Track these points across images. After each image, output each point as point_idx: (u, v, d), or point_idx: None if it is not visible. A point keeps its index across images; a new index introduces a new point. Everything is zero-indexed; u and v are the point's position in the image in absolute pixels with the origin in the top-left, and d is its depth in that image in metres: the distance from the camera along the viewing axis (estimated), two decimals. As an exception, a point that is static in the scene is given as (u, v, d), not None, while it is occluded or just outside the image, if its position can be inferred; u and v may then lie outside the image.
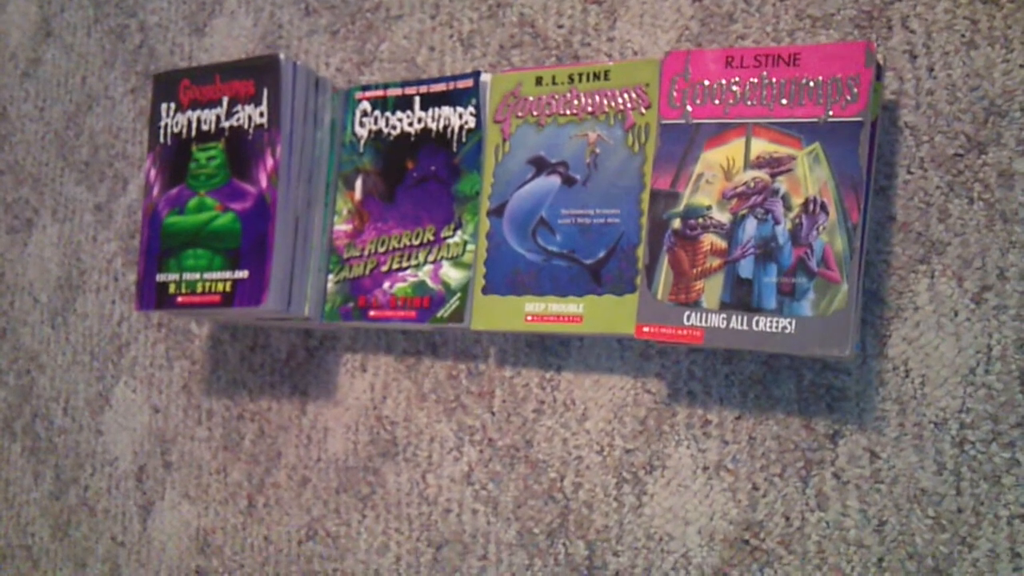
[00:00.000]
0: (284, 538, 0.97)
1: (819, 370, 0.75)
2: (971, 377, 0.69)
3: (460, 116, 0.89)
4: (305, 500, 0.96)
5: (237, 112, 0.92)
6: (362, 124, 0.94)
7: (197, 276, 0.93)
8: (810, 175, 0.71)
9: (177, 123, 0.96)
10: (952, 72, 0.72)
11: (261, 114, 0.91)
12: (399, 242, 0.90)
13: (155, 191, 0.97)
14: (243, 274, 0.90)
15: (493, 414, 0.87)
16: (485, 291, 0.85)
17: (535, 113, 0.85)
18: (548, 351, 0.86)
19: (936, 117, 0.73)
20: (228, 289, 0.90)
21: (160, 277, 0.95)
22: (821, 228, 0.70)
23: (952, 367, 0.70)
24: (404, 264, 0.89)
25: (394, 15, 0.99)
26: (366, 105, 0.94)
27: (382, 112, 0.93)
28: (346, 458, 0.94)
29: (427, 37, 0.97)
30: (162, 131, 0.97)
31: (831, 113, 0.71)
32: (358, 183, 0.93)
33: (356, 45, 1.01)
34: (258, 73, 0.92)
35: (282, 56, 0.91)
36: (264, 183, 0.90)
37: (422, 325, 0.87)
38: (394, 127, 0.92)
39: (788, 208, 0.72)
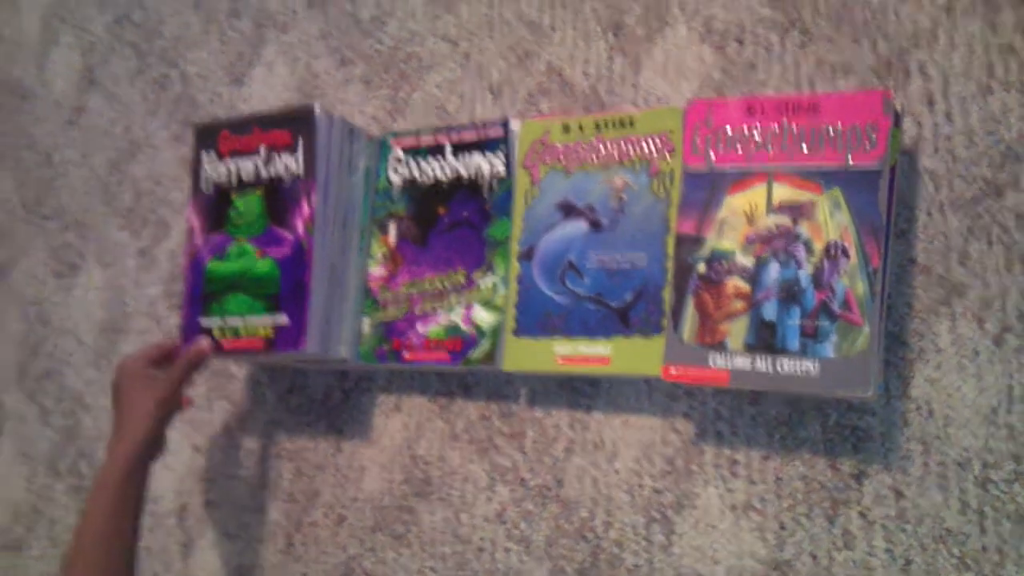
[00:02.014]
0: None
1: (844, 411, 0.76)
2: (993, 417, 0.70)
3: (490, 163, 0.91)
4: (342, 538, 0.99)
5: (274, 161, 0.96)
6: (396, 171, 0.97)
7: (240, 321, 0.95)
8: (831, 220, 0.73)
9: (218, 172, 1.00)
10: (969, 118, 0.74)
11: (297, 163, 0.94)
12: (432, 285, 0.93)
13: (197, 237, 1.00)
14: (283, 319, 0.93)
15: (524, 454, 0.89)
16: (516, 333, 0.87)
17: (563, 160, 0.88)
18: (578, 392, 0.88)
19: (954, 162, 0.74)
20: (270, 334, 0.93)
21: (204, 322, 0.98)
22: (842, 272, 0.72)
23: (974, 407, 0.71)
24: (436, 306, 0.92)
25: (426, 65, 1.02)
26: (400, 152, 0.97)
27: (415, 159, 0.96)
28: (381, 497, 0.97)
29: (458, 86, 1.00)
30: (203, 179, 1.01)
31: (851, 160, 0.73)
32: (392, 228, 0.96)
33: (389, 94, 1.04)
34: (294, 123, 0.95)
35: (317, 107, 0.94)
36: (301, 230, 0.93)
37: (455, 367, 0.90)
38: (427, 174, 0.95)
39: (810, 252, 0.74)
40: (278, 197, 0.96)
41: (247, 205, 0.97)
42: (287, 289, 0.93)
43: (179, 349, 0.97)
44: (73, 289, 1.28)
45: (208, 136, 1.02)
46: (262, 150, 0.97)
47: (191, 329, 0.99)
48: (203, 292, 0.99)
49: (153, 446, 0.93)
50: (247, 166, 0.98)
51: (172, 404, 0.94)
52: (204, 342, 0.96)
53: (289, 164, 0.95)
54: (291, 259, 0.94)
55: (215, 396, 1.11)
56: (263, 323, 0.94)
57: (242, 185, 0.98)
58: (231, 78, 1.18)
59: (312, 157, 0.94)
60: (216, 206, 1.00)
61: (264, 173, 0.97)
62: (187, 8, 1.24)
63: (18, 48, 1.44)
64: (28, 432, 1.28)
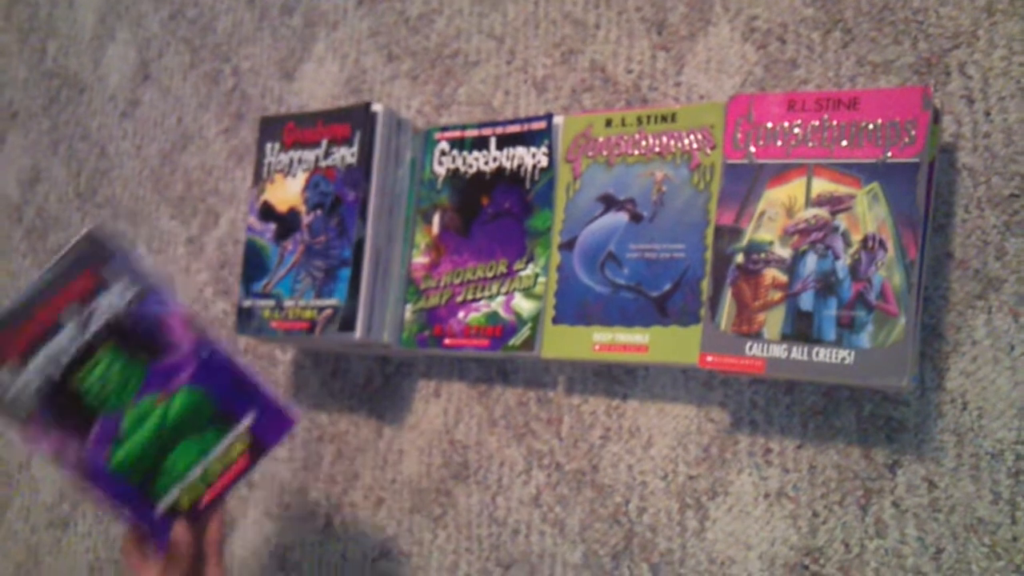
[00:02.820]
0: (359, 556, 1.02)
1: (879, 402, 0.77)
2: (1027, 410, 0.72)
3: (533, 156, 0.94)
4: (380, 519, 1.01)
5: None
6: (440, 163, 1.00)
7: (202, 465, 0.83)
8: (869, 213, 0.75)
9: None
10: (1008, 116, 0.75)
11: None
12: (473, 274, 0.95)
13: (70, 454, 0.82)
14: (252, 416, 0.84)
15: (561, 440, 0.91)
16: (555, 321, 0.89)
17: (605, 153, 0.90)
18: (614, 380, 0.90)
19: (993, 159, 0.76)
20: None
21: (163, 506, 0.83)
22: (880, 264, 0.74)
23: (1008, 400, 0.72)
24: (478, 295, 0.94)
25: (472, 61, 1.05)
26: (444, 145, 1.00)
27: (459, 151, 0.98)
28: (419, 480, 0.99)
29: (503, 81, 1.02)
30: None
31: (890, 155, 0.74)
32: (435, 218, 0.99)
33: (435, 89, 1.07)
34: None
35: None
36: (182, 333, 0.83)
37: (494, 353, 0.92)
38: (470, 165, 0.98)
39: (848, 244, 0.75)
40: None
41: (104, 370, 0.81)
42: (225, 391, 0.82)
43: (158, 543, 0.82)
44: (124, 275, 1.32)
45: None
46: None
47: (157, 528, 0.83)
48: (133, 486, 0.82)
49: None
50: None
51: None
52: (179, 532, 0.81)
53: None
54: (202, 367, 0.82)
55: (259, 380, 1.14)
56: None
57: (81, 358, 0.81)
58: (282, 73, 1.21)
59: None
60: (60, 403, 0.81)
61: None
62: (240, 5, 1.28)
63: (75, 43, 1.49)
64: (77, 413, 1.32)
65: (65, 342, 0.80)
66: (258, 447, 0.83)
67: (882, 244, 0.74)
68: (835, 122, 0.77)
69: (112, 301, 0.80)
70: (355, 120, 0.98)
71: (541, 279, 0.91)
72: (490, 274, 0.94)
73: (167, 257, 1.27)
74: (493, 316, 0.93)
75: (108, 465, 0.81)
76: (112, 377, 0.81)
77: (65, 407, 0.81)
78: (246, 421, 0.82)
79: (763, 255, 0.78)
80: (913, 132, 0.74)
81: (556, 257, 0.90)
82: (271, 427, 0.83)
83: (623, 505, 0.87)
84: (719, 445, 0.83)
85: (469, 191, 0.97)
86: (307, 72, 1.19)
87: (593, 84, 0.96)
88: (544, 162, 0.93)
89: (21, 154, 1.52)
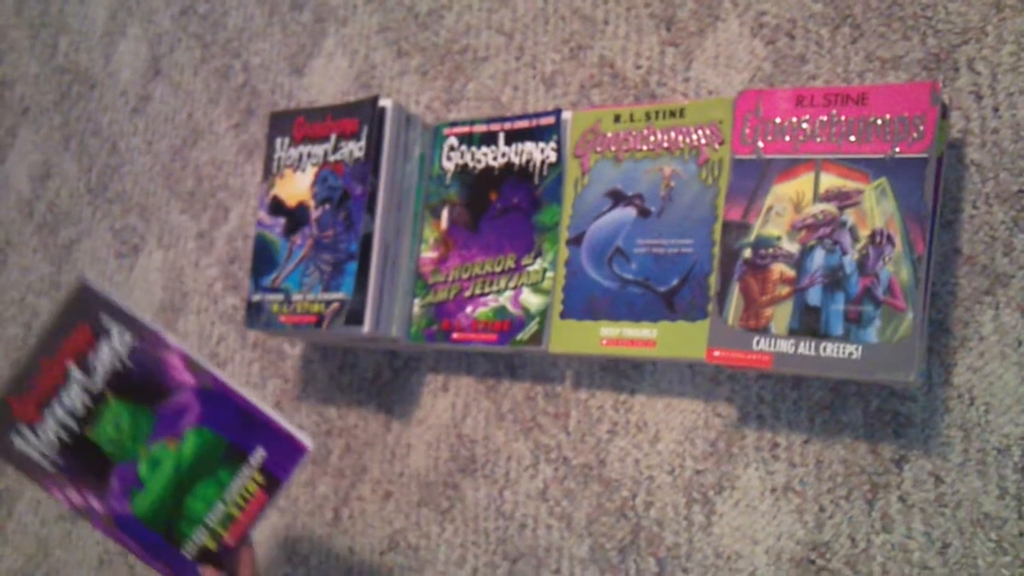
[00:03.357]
0: (367, 549, 1.02)
1: (886, 397, 0.77)
2: (1034, 405, 0.72)
3: (542, 151, 0.94)
4: (388, 513, 1.01)
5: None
6: (449, 158, 1.00)
7: (220, 508, 0.83)
8: (877, 208, 0.75)
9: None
10: (1017, 112, 0.75)
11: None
12: (482, 269, 0.96)
13: (98, 506, 0.84)
14: (262, 453, 0.84)
15: (568, 434, 0.92)
16: (563, 316, 0.89)
17: (613, 148, 0.90)
18: (622, 375, 0.90)
19: (1001, 155, 0.76)
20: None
21: (190, 550, 0.84)
22: (887, 259, 0.74)
23: (1015, 396, 0.72)
24: (486, 290, 0.95)
25: (481, 57, 1.05)
26: (453, 140, 1.00)
27: (468, 147, 0.99)
28: (427, 473, 0.99)
29: (512, 77, 1.03)
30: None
31: (898, 150, 0.75)
32: (444, 213, 0.99)
33: (444, 85, 1.07)
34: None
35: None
36: (184, 373, 0.84)
37: (502, 347, 0.92)
38: (479, 161, 0.98)
39: (855, 239, 0.75)
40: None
41: (115, 419, 0.83)
42: (232, 427, 0.82)
43: None
44: (134, 269, 1.33)
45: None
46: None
47: (185, 571, 0.84)
48: (159, 533, 0.83)
49: None
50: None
51: None
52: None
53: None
54: (207, 405, 0.82)
55: (268, 374, 1.15)
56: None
57: (89, 415, 0.83)
58: (292, 68, 1.22)
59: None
60: (79, 455, 0.83)
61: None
62: (250, 1, 1.28)
63: (86, 38, 1.50)
64: (87, 406, 1.33)
65: (75, 396, 0.82)
66: (273, 481, 0.82)
67: (890, 239, 0.74)
68: (843, 117, 0.77)
69: (112, 350, 0.82)
70: (363, 115, 0.99)
71: (549, 274, 0.91)
72: (498, 269, 0.95)
73: (178, 252, 1.28)
74: (501, 311, 0.93)
75: (132, 514, 0.82)
76: (123, 425, 0.82)
77: (84, 459, 0.82)
78: (257, 456, 0.82)
79: (771, 250, 0.78)
80: (921, 127, 0.74)
81: (564, 252, 0.90)
82: (283, 459, 0.82)
83: (630, 499, 0.87)
84: (726, 440, 0.83)
85: (478, 186, 0.97)
86: (317, 68, 1.19)
87: (602, 80, 0.97)
88: (552, 157, 0.93)
89: (32, 149, 1.53)
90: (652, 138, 0.88)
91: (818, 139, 0.78)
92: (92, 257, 1.39)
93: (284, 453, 0.82)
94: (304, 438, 0.83)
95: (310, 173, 1.02)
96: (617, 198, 0.89)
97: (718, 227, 0.82)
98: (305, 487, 1.08)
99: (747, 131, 0.81)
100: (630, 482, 0.87)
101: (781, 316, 0.77)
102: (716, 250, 0.82)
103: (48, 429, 0.83)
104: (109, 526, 0.82)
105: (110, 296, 0.83)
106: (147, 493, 0.82)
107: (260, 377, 1.15)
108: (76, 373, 0.82)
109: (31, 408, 0.83)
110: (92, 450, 0.82)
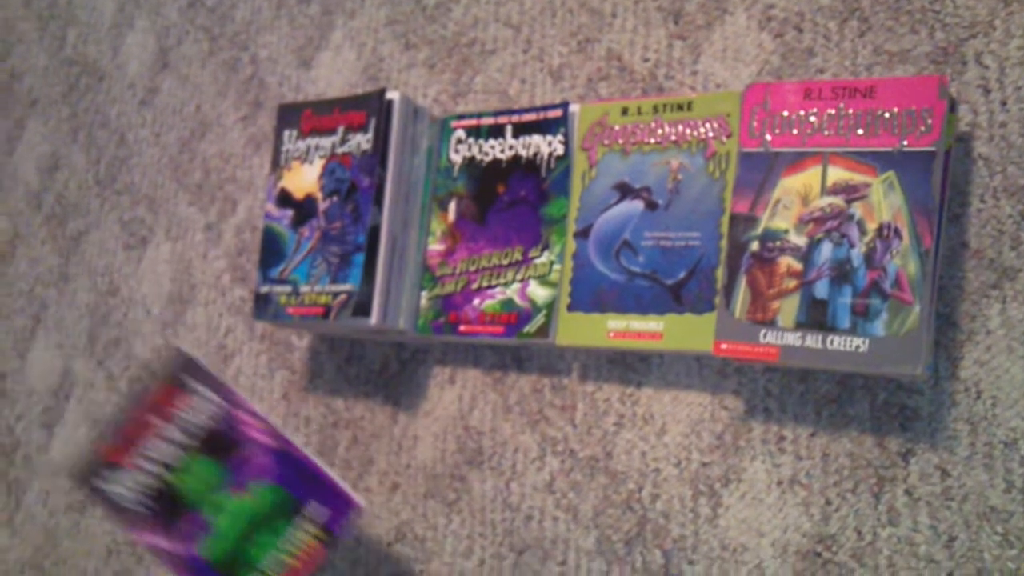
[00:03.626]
0: (374, 540, 1.03)
1: (893, 390, 0.77)
2: (1041, 399, 0.72)
3: (549, 144, 0.94)
4: (395, 504, 1.02)
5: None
6: (456, 151, 1.00)
7: (275, 557, 0.88)
8: (884, 201, 0.75)
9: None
10: (1025, 105, 0.75)
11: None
12: (489, 261, 0.96)
13: (169, 549, 0.92)
14: (323, 509, 0.89)
15: (575, 426, 0.92)
16: (570, 308, 0.89)
17: (621, 141, 0.90)
18: (629, 367, 0.90)
19: (1009, 149, 0.75)
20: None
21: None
22: (895, 252, 0.74)
23: (1022, 389, 0.72)
24: (493, 282, 0.95)
25: (488, 50, 1.05)
26: (461, 133, 1.00)
27: (476, 140, 0.99)
28: (434, 465, 1.00)
29: (519, 70, 1.03)
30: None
31: (905, 143, 0.75)
32: (451, 206, 0.99)
33: (452, 78, 1.07)
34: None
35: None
36: (257, 431, 0.92)
37: (509, 340, 0.93)
38: (487, 154, 0.98)
39: (863, 232, 0.75)
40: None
41: (195, 469, 0.91)
42: (293, 481, 0.89)
43: None
44: (142, 261, 1.34)
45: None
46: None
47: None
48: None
49: None
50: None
51: None
52: None
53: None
54: (274, 461, 0.90)
55: (276, 365, 1.15)
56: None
57: (175, 465, 0.92)
58: (299, 61, 1.22)
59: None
60: (162, 502, 0.92)
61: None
62: (259, -7, 1.29)
63: (94, 30, 1.50)
64: (96, 397, 1.34)
65: (164, 448, 0.92)
66: (328, 535, 0.88)
67: (897, 232, 0.74)
68: (851, 110, 0.77)
69: (200, 408, 0.92)
70: (370, 107, 0.99)
71: (556, 266, 0.91)
72: (505, 261, 0.95)
73: (186, 244, 1.29)
74: (508, 303, 0.93)
75: (201, 557, 0.89)
76: (201, 476, 0.91)
77: (166, 506, 0.91)
78: (311, 510, 0.88)
79: (778, 243, 0.78)
80: (929, 121, 0.74)
81: (571, 245, 0.91)
82: (336, 515, 0.88)
83: (636, 492, 0.87)
84: (732, 432, 0.84)
85: (485, 179, 0.98)
86: (324, 60, 1.19)
87: (609, 73, 0.97)
88: (560, 150, 0.93)
89: (41, 141, 1.53)
90: (660, 131, 0.88)
91: (826, 132, 0.78)
92: (100, 249, 1.39)
93: (338, 509, 0.88)
94: (356, 496, 0.88)
95: (318, 165, 1.02)
96: (624, 191, 0.89)
97: (725, 220, 0.83)
98: (312, 478, 1.09)
99: (755, 124, 0.81)
100: (636, 474, 0.88)
101: (788, 309, 0.77)
102: (723, 243, 0.82)
103: (137, 475, 0.92)
104: (179, 567, 0.90)
105: (199, 361, 0.94)
106: (218, 539, 0.89)
107: (268, 368, 1.16)
108: (166, 427, 0.92)
109: (126, 456, 0.93)
110: (174, 499, 0.91)
